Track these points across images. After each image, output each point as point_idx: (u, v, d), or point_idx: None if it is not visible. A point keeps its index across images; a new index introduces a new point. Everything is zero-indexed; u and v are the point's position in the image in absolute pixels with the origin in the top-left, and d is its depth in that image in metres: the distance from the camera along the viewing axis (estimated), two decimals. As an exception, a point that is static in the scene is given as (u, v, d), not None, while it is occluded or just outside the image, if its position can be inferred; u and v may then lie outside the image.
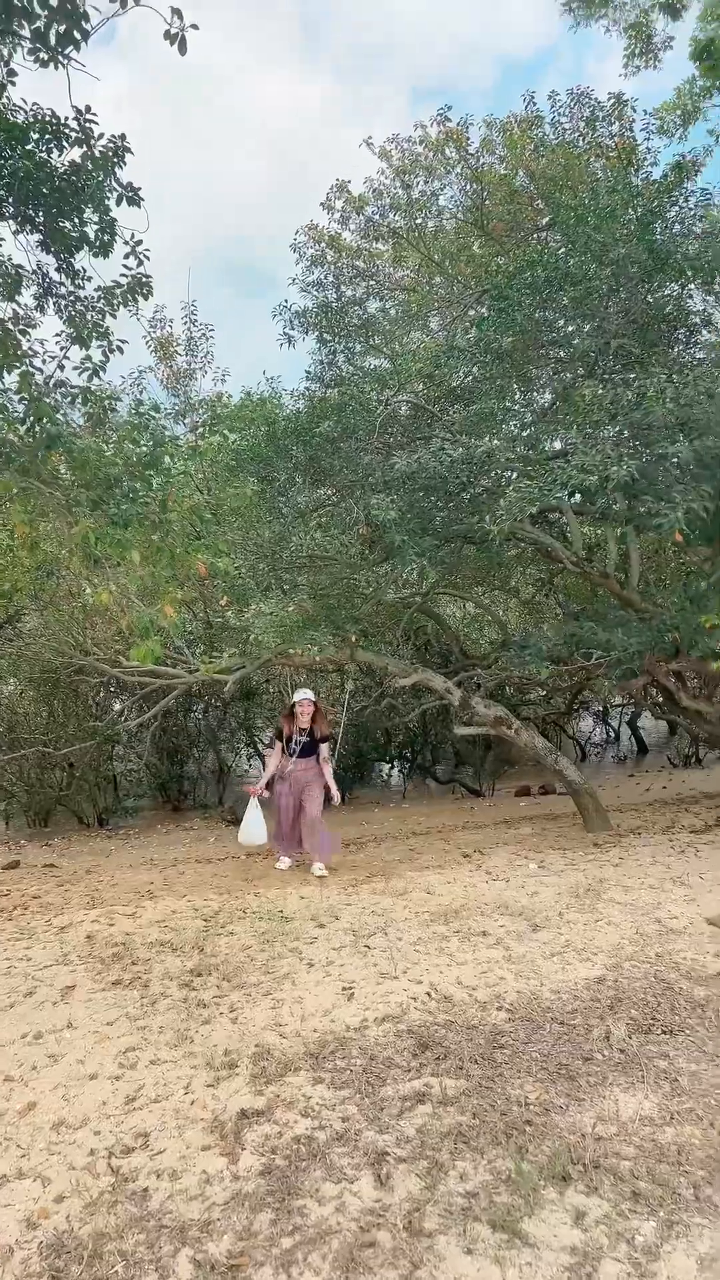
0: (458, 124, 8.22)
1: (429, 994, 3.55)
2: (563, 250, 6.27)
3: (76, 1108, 2.78)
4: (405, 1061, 2.96)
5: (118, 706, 10.93)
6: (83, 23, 2.69)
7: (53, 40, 2.72)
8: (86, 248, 3.43)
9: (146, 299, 3.59)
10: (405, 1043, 3.09)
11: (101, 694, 10.46)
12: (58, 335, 3.69)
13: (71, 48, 2.74)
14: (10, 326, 3.37)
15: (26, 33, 2.71)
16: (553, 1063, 2.90)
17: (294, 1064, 2.97)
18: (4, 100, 3.10)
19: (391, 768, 14.53)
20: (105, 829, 9.98)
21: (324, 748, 5.92)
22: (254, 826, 5.86)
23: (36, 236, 3.40)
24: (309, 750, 5.86)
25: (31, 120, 3.23)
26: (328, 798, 5.91)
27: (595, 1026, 3.13)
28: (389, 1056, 3.00)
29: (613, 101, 7.69)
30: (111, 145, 3.31)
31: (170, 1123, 2.68)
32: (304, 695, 5.89)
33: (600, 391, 5.64)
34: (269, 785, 5.97)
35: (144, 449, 4.24)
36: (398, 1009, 3.40)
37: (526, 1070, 2.87)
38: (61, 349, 3.63)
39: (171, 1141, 2.59)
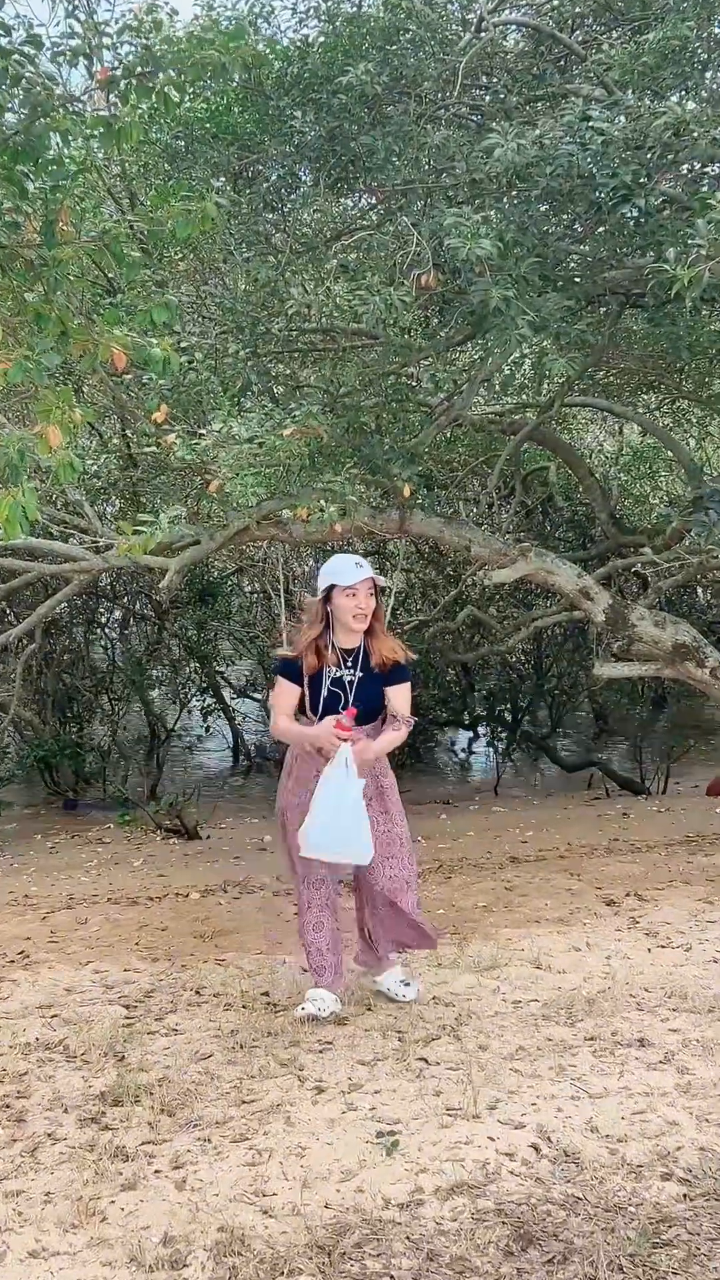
0: None
1: (536, 1147, 3.62)
2: None
3: None
4: (492, 1266, 3.04)
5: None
6: None
7: None
8: None
9: None
10: (492, 1232, 3.18)
11: None
12: None
13: None
14: None
15: None
16: (762, 1275, 2.98)
17: (288, 1265, 3.06)
18: None
19: (474, 738, 14.69)
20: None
21: (400, 692, 4.93)
22: (338, 816, 4.66)
23: None
24: (369, 695, 4.87)
25: None
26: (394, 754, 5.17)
27: None
28: (461, 1255, 3.08)
29: None
30: None
31: None
32: (361, 568, 4.78)
33: None
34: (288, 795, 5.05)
35: (8, 120, 4.15)
36: (478, 1172, 3.48)
37: (713, 1287, 2.96)
38: None
39: None
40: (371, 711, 4.87)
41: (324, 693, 4.80)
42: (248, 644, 13.29)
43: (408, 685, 4.95)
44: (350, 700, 4.79)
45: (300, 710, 4.88)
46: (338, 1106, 3.94)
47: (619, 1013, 4.73)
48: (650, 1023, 4.62)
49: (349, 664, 4.83)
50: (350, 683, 4.83)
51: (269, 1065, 4.27)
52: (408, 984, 5.01)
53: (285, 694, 4.87)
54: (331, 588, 4.76)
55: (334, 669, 4.81)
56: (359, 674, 4.83)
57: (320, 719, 4.76)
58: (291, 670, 4.84)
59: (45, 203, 4.08)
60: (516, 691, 13.32)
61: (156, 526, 5.54)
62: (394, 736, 4.88)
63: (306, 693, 4.82)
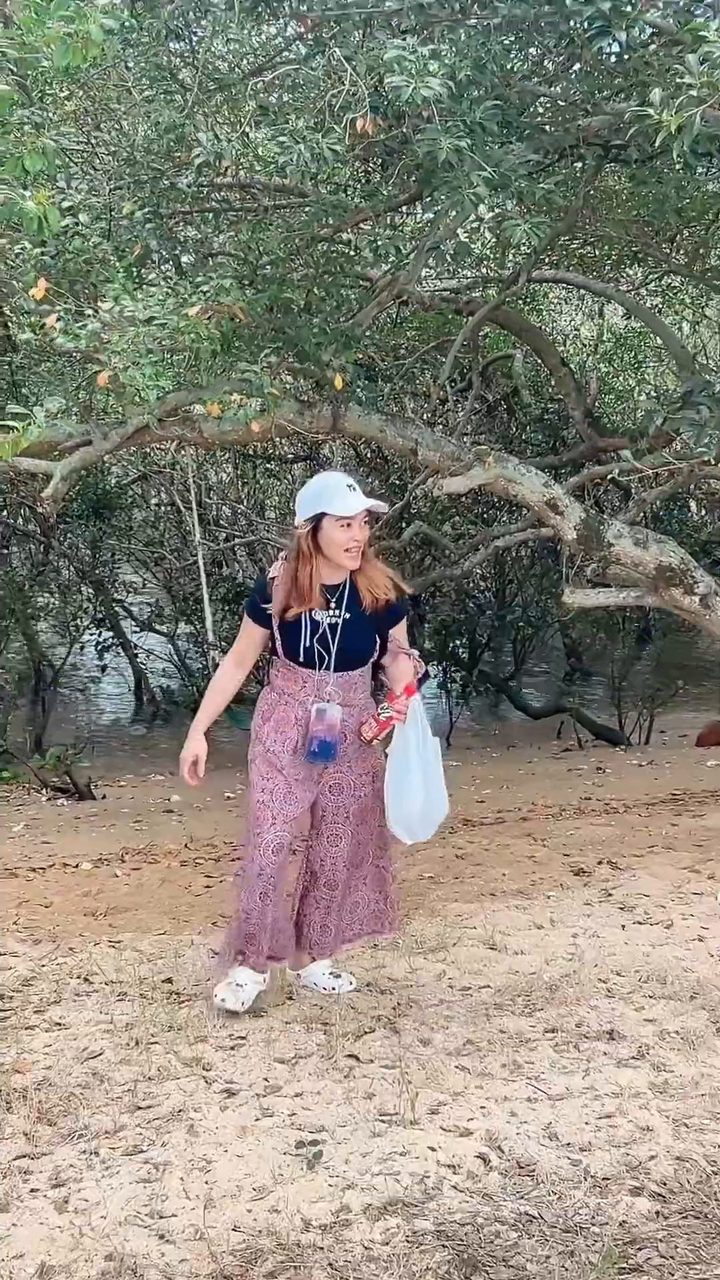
0: None
1: (484, 1158, 3.66)
2: None
3: None
4: (427, 1295, 3.10)
5: None
6: None
7: None
8: None
9: None
10: (430, 1257, 3.21)
11: None
12: None
13: None
14: None
15: None
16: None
17: (188, 1296, 3.10)
18: None
19: (424, 677, 14.70)
20: None
21: (401, 630, 4.99)
22: (431, 786, 4.81)
23: None
24: (357, 639, 4.84)
25: None
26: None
27: None
28: (393, 1284, 3.14)
29: None
30: None
31: None
32: (355, 491, 4.72)
33: None
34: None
35: None
36: (415, 1188, 3.51)
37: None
38: None
39: None
40: (357, 658, 4.84)
41: (305, 641, 4.73)
42: (153, 567, 13.23)
43: (403, 623, 4.99)
44: (335, 648, 4.77)
45: (274, 654, 4.89)
46: (251, 1112, 3.95)
47: (585, 1000, 4.78)
48: (622, 1011, 4.67)
49: (333, 604, 4.75)
50: (334, 626, 4.75)
51: (170, 1065, 4.28)
52: (338, 975, 5.04)
53: (245, 637, 4.91)
54: (321, 516, 4.65)
55: (321, 604, 4.73)
56: (344, 615, 4.76)
57: (304, 668, 4.77)
58: (259, 611, 4.81)
59: None
60: (474, 624, 13.38)
61: (31, 422, 5.40)
62: (413, 667, 4.92)
63: (279, 638, 4.77)
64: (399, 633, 4.91)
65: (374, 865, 5.05)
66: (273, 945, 4.84)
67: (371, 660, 4.89)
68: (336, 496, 4.64)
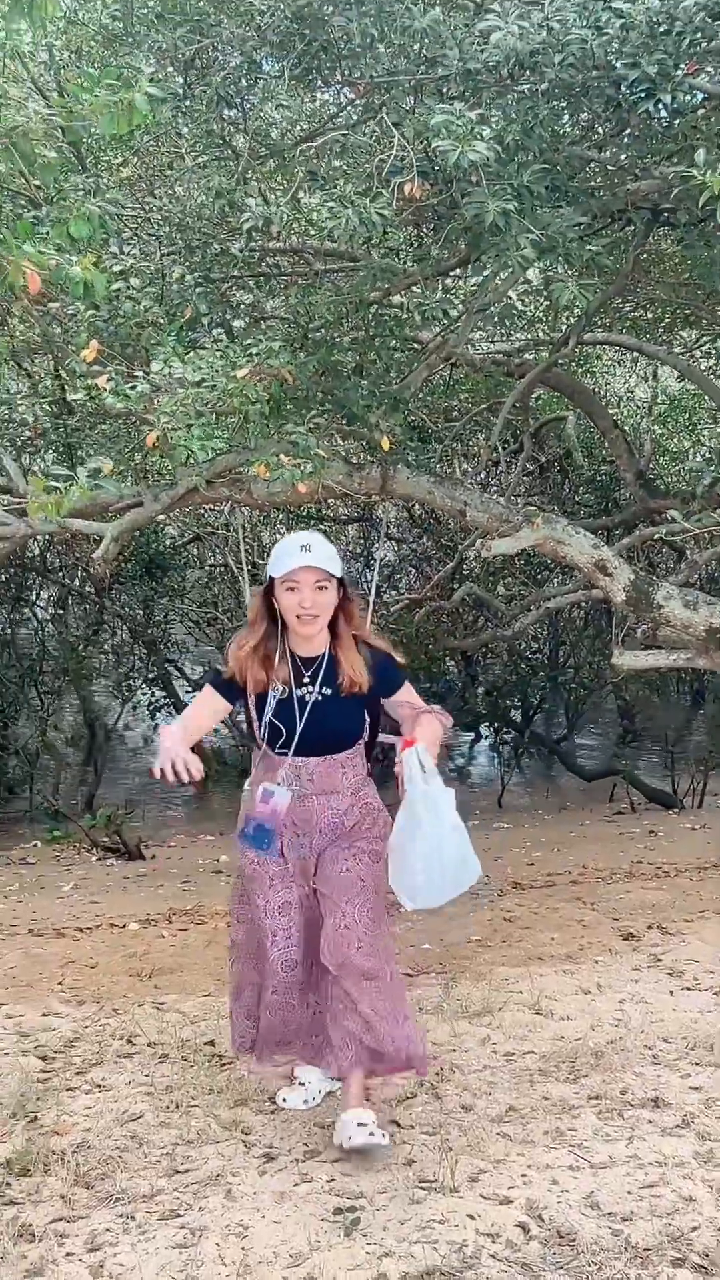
0: None
1: (524, 1227, 3.63)
2: None
3: None
4: None
5: None
6: None
7: None
8: None
9: None
10: (466, 1328, 3.20)
11: None
12: None
13: None
14: None
15: None
16: None
17: None
18: None
19: (475, 740, 14.69)
20: None
21: (406, 695, 4.47)
22: (440, 844, 4.20)
23: None
24: (333, 719, 4.37)
25: None
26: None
27: None
28: None
29: None
30: None
31: None
32: (307, 551, 4.21)
33: None
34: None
35: None
36: (454, 1257, 3.49)
37: None
38: None
39: None
40: (336, 740, 4.33)
41: (267, 717, 4.29)
42: (205, 627, 13.28)
43: (407, 685, 4.48)
44: (300, 728, 4.29)
45: (253, 738, 4.46)
46: (289, 1178, 3.94)
47: (630, 1067, 4.74)
48: (668, 1079, 4.63)
49: (307, 678, 4.32)
50: (303, 701, 4.29)
51: (209, 1128, 4.28)
52: (372, 1133, 4.10)
53: (197, 705, 4.50)
54: (272, 580, 4.26)
55: (281, 687, 4.29)
56: (323, 691, 4.31)
57: (268, 750, 4.34)
58: (223, 682, 4.40)
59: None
60: (526, 685, 13.32)
61: (74, 482, 5.41)
62: (437, 722, 4.37)
63: (254, 715, 4.36)
64: (405, 696, 4.43)
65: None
66: (277, 1049, 4.46)
67: (360, 741, 4.44)
68: (280, 557, 4.23)
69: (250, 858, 4.34)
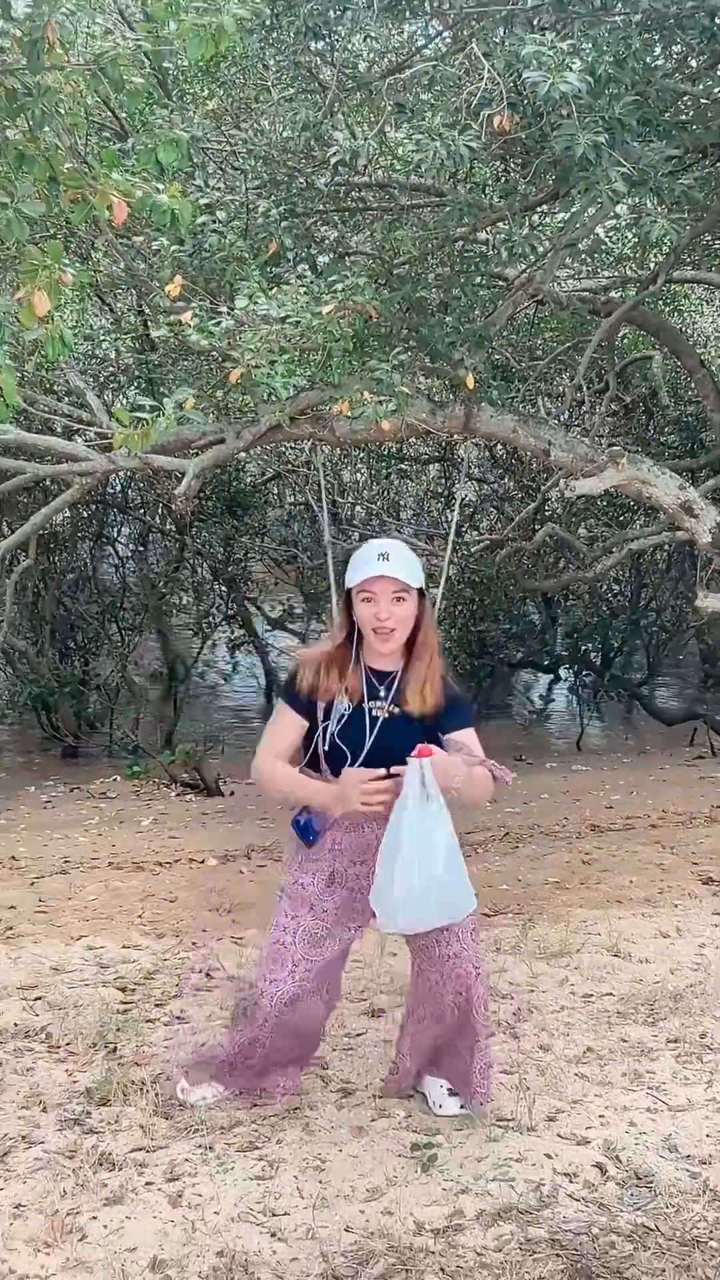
0: None
1: (601, 1167, 3.64)
2: None
3: None
4: (540, 1305, 3.07)
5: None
6: None
7: None
8: None
9: None
10: (543, 1266, 3.19)
11: None
12: None
13: None
14: None
15: None
16: None
17: (298, 1296, 3.10)
18: None
19: (554, 682, 14.62)
20: None
21: (467, 739, 3.95)
22: (428, 865, 3.76)
23: None
24: (397, 741, 3.86)
25: None
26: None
27: None
28: (505, 1292, 3.11)
29: None
30: None
31: None
32: (385, 560, 3.83)
33: None
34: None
35: None
36: (531, 1195, 3.50)
37: None
38: None
39: None
40: (400, 764, 3.77)
41: (334, 728, 3.93)
42: (285, 566, 13.27)
43: (473, 731, 3.99)
44: (367, 747, 3.90)
45: (313, 760, 4.03)
46: (366, 1113, 3.96)
47: (710, 1011, 4.72)
48: (748, 1025, 4.61)
49: (381, 693, 3.96)
50: (376, 720, 3.93)
51: (287, 1063, 4.30)
52: (454, 1092, 4.08)
53: (280, 727, 4.02)
54: (350, 590, 3.90)
55: (347, 701, 3.94)
56: (392, 709, 3.94)
57: (331, 770, 3.95)
58: (297, 696, 4.00)
59: (32, 21, 4.01)
60: (607, 628, 13.24)
61: (160, 415, 5.35)
62: (484, 775, 3.87)
63: (318, 723, 3.97)
64: (467, 739, 3.93)
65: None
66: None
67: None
68: (357, 566, 3.87)
69: (301, 887, 4.07)
